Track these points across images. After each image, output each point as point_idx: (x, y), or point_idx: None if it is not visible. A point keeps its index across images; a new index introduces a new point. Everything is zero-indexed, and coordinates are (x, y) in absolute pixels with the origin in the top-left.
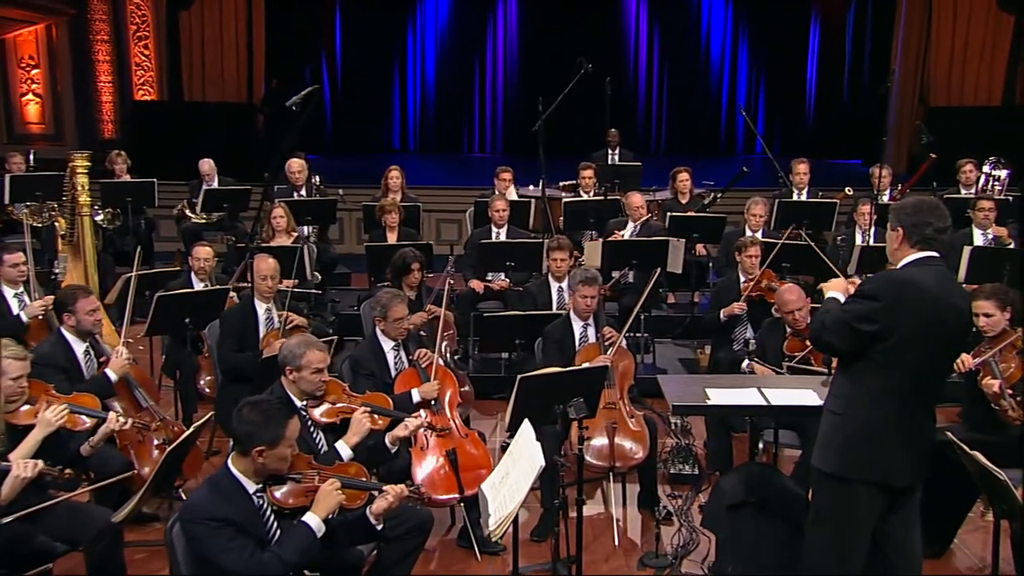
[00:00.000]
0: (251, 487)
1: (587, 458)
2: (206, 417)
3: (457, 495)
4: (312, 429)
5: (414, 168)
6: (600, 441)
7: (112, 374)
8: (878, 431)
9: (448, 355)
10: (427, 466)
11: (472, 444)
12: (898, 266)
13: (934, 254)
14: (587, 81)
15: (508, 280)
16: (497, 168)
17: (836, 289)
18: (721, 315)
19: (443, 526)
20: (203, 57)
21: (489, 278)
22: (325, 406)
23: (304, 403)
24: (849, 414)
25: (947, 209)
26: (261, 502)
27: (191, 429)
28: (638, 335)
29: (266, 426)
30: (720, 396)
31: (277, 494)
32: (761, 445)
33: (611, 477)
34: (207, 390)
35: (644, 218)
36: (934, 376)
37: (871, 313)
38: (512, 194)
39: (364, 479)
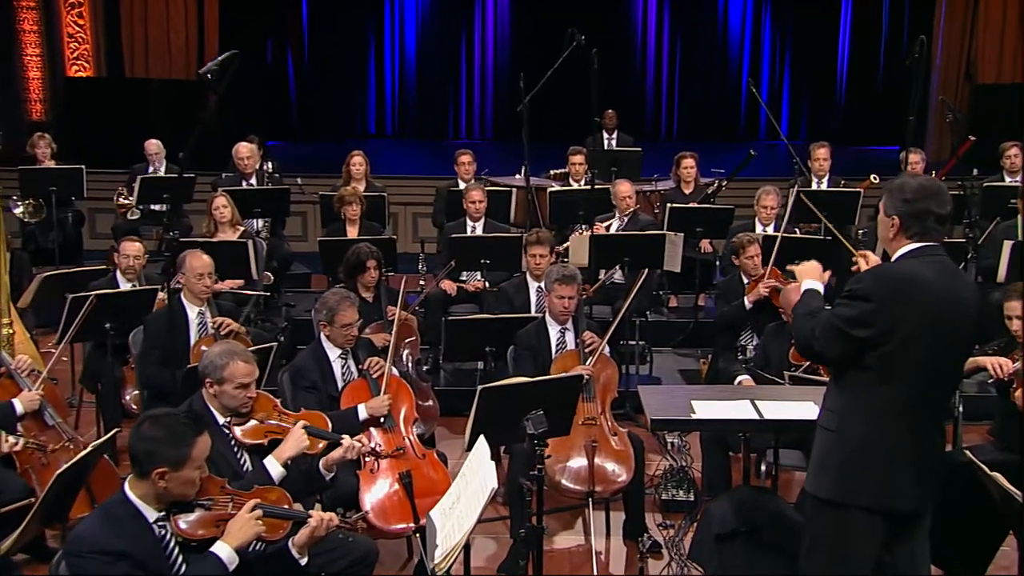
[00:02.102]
0: (151, 515)
1: (563, 482)
2: (108, 435)
3: (412, 524)
4: (236, 450)
5: (391, 156)
6: (578, 462)
7: (19, 407)
8: (878, 450)
9: (410, 365)
10: (378, 491)
11: (430, 466)
12: (892, 258)
13: (933, 243)
14: (582, 56)
15: (483, 280)
16: (456, 152)
17: (813, 276)
18: (746, 302)
19: (399, 559)
20: (146, 28)
21: (463, 278)
22: (251, 424)
23: (228, 419)
24: (844, 431)
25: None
26: (163, 532)
27: (89, 448)
28: (632, 343)
29: (169, 444)
30: (707, 409)
31: (183, 523)
32: (764, 467)
33: (591, 503)
34: (133, 406)
35: (631, 209)
36: (941, 384)
37: (864, 316)
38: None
39: (287, 506)
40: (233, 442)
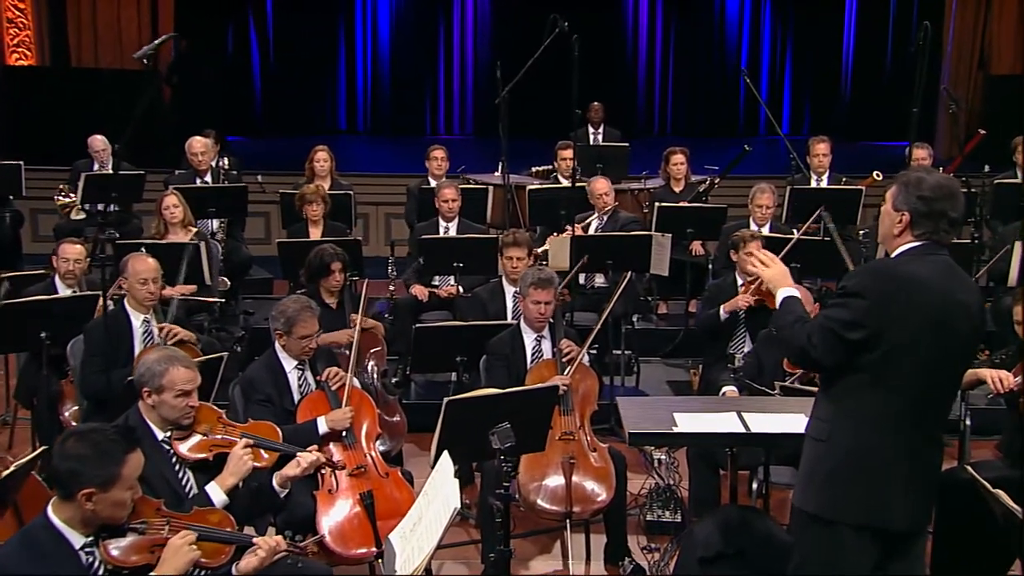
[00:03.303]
0: (77, 541)
1: (539, 502)
2: (35, 453)
3: (374, 549)
4: (178, 467)
5: (363, 153)
6: (554, 481)
7: None
8: (868, 462)
9: (376, 376)
10: (336, 513)
11: (394, 486)
12: (892, 255)
13: (936, 243)
14: (566, 45)
15: (456, 285)
16: (429, 147)
17: (785, 283)
18: (721, 311)
19: None
20: (95, 13)
21: (435, 283)
22: (195, 438)
23: (168, 434)
24: (833, 442)
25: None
26: (91, 559)
27: (12, 467)
28: (617, 353)
29: (96, 462)
30: (689, 423)
31: (113, 550)
32: (755, 485)
33: (569, 525)
34: (73, 423)
35: (609, 207)
36: (938, 393)
37: (858, 316)
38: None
39: (230, 529)
40: (174, 459)
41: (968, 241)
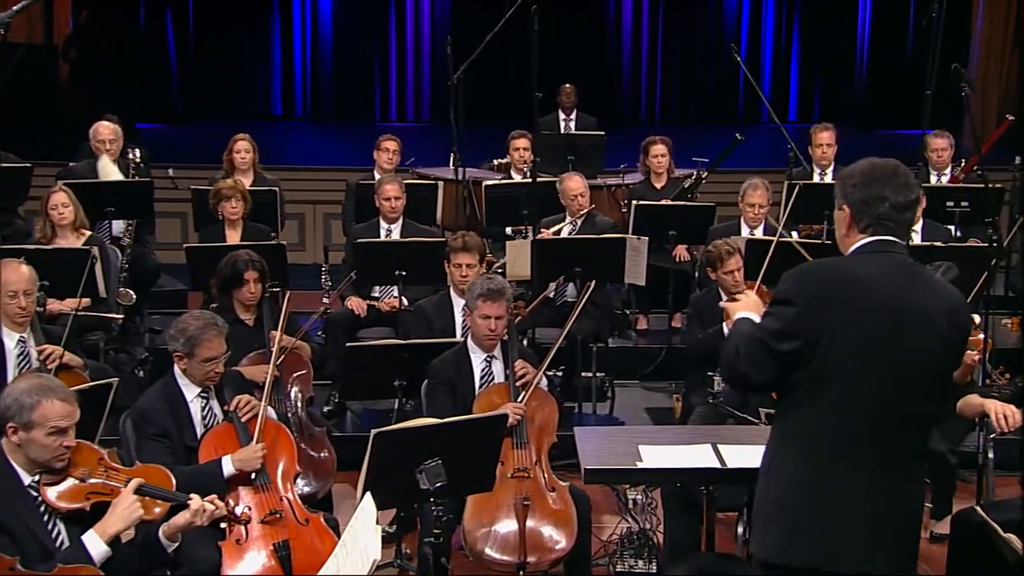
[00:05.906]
0: None
1: (487, 551)
2: None
3: None
4: (47, 518)
5: (303, 142)
6: (506, 526)
7: None
8: (811, 496)
9: (300, 405)
10: (245, 567)
11: (315, 534)
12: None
13: (891, 238)
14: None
15: (399, 297)
16: (380, 137)
17: (750, 310)
18: (725, 328)
19: None
20: None
21: (376, 294)
22: (69, 483)
23: (36, 478)
24: (773, 475)
25: (914, 179)
26: None
27: None
28: (587, 375)
29: None
30: (656, 457)
31: None
32: (740, 529)
33: None
34: None
35: (585, 211)
36: (897, 414)
37: (787, 325)
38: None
39: None
40: (43, 508)
41: (985, 245)
